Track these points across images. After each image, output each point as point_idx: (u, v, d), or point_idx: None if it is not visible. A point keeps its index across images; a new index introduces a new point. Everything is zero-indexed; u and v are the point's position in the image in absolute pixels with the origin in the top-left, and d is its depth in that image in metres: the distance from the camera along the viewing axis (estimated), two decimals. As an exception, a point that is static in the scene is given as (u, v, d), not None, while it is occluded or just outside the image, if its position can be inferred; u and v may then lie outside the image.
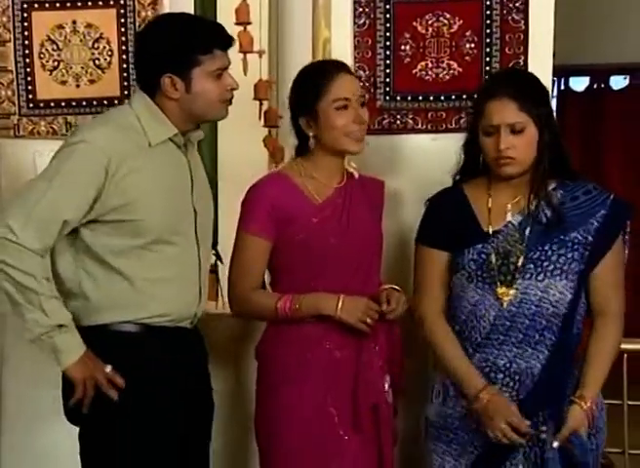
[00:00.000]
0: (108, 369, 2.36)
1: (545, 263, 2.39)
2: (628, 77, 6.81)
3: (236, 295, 2.60)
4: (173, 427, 2.45)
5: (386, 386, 2.58)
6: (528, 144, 2.38)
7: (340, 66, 2.58)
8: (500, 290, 2.41)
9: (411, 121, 3.06)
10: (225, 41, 2.42)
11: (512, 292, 2.40)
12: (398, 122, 3.07)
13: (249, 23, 3.41)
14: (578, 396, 2.37)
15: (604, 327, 2.44)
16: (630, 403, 3.34)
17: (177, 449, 2.48)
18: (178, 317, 2.46)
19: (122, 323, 2.41)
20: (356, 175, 2.66)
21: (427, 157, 3.04)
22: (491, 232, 2.46)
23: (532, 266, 2.40)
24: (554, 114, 2.50)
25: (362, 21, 3.05)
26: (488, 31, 2.97)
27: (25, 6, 3.25)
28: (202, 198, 2.54)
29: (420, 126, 3.06)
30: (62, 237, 2.37)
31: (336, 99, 2.49)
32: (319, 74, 2.54)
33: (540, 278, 2.39)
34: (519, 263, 2.40)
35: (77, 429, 2.48)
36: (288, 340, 2.57)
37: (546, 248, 2.40)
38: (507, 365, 2.42)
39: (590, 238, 2.40)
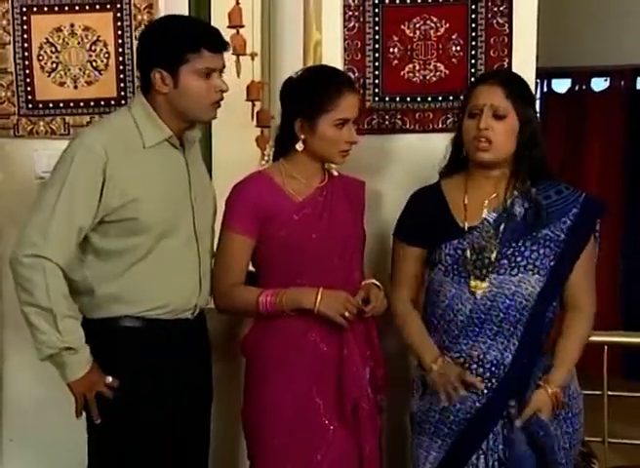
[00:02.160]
0: (109, 380, 2.45)
1: (519, 259, 2.46)
2: (609, 79, 6.88)
3: (219, 291, 2.64)
4: (172, 418, 2.53)
5: (366, 381, 2.63)
6: (507, 132, 2.45)
7: (350, 84, 2.62)
8: (474, 283, 2.48)
9: (399, 121, 3.12)
10: (215, 43, 2.46)
11: (485, 285, 2.47)
12: (387, 122, 3.12)
13: (242, 26, 3.46)
14: (543, 380, 2.45)
15: (573, 320, 2.51)
16: (610, 393, 3.42)
17: (173, 440, 2.55)
18: (176, 308, 2.52)
19: (125, 317, 2.48)
20: (335, 174, 2.71)
21: (415, 156, 3.09)
22: (466, 228, 2.53)
23: (506, 262, 2.47)
24: (538, 118, 2.56)
25: (352, 25, 3.11)
26: (473, 34, 3.03)
27: (25, 10, 3.28)
28: (201, 195, 2.60)
29: (407, 126, 3.12)
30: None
31: (338, 118, 2.53)
32: (330, 86, 2.55)
33: (513, 273, 2.46)
34: (493, 258, 2.47)
35: (77, 422, 2.54)
36: (273, 334, 2.62)
37: (519, 244, 2.47)
38: (481, 356, 2.49)
39: (563, 236, 2.46)
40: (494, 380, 2.48)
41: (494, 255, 2.47)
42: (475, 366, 2.49)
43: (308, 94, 2.57)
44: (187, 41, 2.43)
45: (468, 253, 2.50)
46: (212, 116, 2.54)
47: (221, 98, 2.51)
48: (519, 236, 2.48)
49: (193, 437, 2.63)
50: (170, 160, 2.54)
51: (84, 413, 2.51)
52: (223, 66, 2.52)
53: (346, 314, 2.51)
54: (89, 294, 2.49)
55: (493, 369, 2.48)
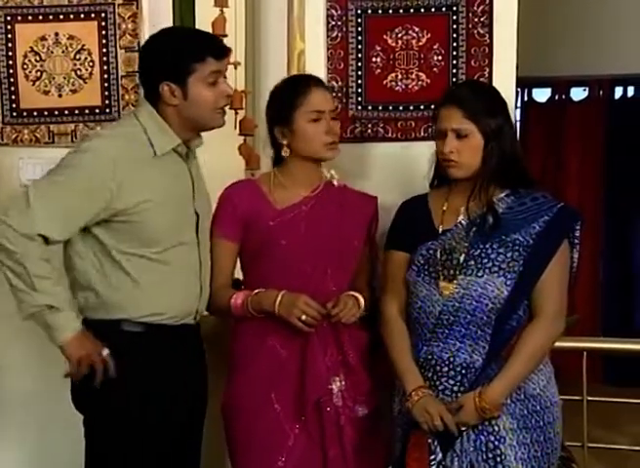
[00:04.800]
0: (105, 352, 2.42)
1: (485, 260, 2.49)
2: (587, 89, 6.97)
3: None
4: (173, 420, 2.54)
5: (334, 388, 2.62)
6: (472, 150, 2.50)
7: (314, 80, 2.69)
8: (442, 284, 2.51)
9: (381, 130, 3.14)
10: (219, 50, 2.51)
11: (453, 286, 2.50)
12: (369, 131, 3.15)
13: (225, 36, 3.46)
14: (479, 391, 2.44)
15: (531, 328, 2.50)
16: (590, 399, 3.43)
17: (173, 440, 2.57)
18: (180, 314, 2.55)
19: (127, 321, 2.49)
20: (335, 184, 2.73)
21: (397, 164, 3.11)
22: (441, 231, 2.57)
23: (472, 263, 2.50)
24: (512, 126, 2.60)
25: (335, 34, 3.14)
26: (454, 44, 3.06)
27: (9, 18, 3.30)
28: (202, 202, 2.65)
29: (390, 134, 3.14)
30: (75, 233, 2.44)
31: (311, 111, 2.60)
32: (295, 87, 2.65)
33: (479, 274, 2.49)
34: (461, 259, 2.50)
35: (75, 423, 2.57)
36: (240, 335, 2.69)
37: (487, 246, 2.50)
38: (451, 358, 2.50)
39: (531, 241, 2.49)
40: (465, 383, 2.49)
41: (462, 257, 2.51)
42: (446, 368, 2.50)
43: (277, 100, 2.67)
44: (193, 52, 2.47)
45: (439, 253, 2.54)
46: (220, 123, 2.58)
47: (228, 103, 2.58)
48: (487, 238, 2.51)
49: (189, 439, 2.66)
50: (176, 168, 2.57)
51: (81, 423, 2.55)
52: (226, 70, 2.57)
53: (303, 317, 2.52)
54: (92, 292, 2.49)
55: (463, 371, 2.49)
